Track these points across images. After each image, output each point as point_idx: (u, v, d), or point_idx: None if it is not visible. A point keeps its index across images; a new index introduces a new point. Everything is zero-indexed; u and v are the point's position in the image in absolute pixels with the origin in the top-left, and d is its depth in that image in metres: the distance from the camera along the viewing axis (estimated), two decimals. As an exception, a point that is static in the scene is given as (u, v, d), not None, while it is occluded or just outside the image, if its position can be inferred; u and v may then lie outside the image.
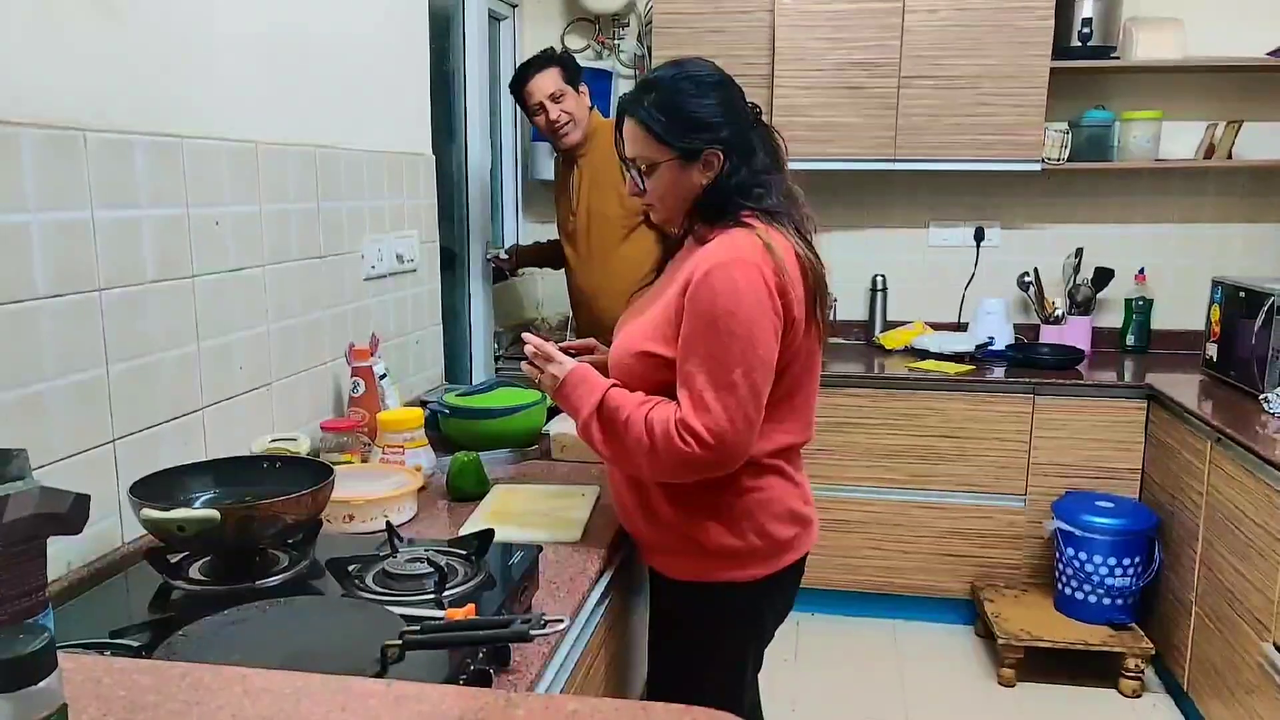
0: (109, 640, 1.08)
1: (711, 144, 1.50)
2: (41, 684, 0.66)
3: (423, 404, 2.22)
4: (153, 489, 1.35)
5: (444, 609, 1.19)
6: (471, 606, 1.15)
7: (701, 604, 1.61)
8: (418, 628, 0.99)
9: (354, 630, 1.05)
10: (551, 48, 2.84)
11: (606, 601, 1.61)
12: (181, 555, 1.36)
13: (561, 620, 0.98)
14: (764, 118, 1.59)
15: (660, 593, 1.68)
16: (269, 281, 1.85)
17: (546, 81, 2.77)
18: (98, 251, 1.41)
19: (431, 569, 1.28)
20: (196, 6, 1.62)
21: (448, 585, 1.26)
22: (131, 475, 1.40)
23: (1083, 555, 2.95)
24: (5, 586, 0.84)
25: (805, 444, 1.62)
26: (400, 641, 0.96)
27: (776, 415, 1.52)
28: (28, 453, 0.90)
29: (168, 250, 1.56)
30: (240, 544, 1.32)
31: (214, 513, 1.25)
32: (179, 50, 1.59)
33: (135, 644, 1.08)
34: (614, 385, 1.53)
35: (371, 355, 2.09)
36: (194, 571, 1.34)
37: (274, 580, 1.32)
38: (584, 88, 2.84)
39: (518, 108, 3.85)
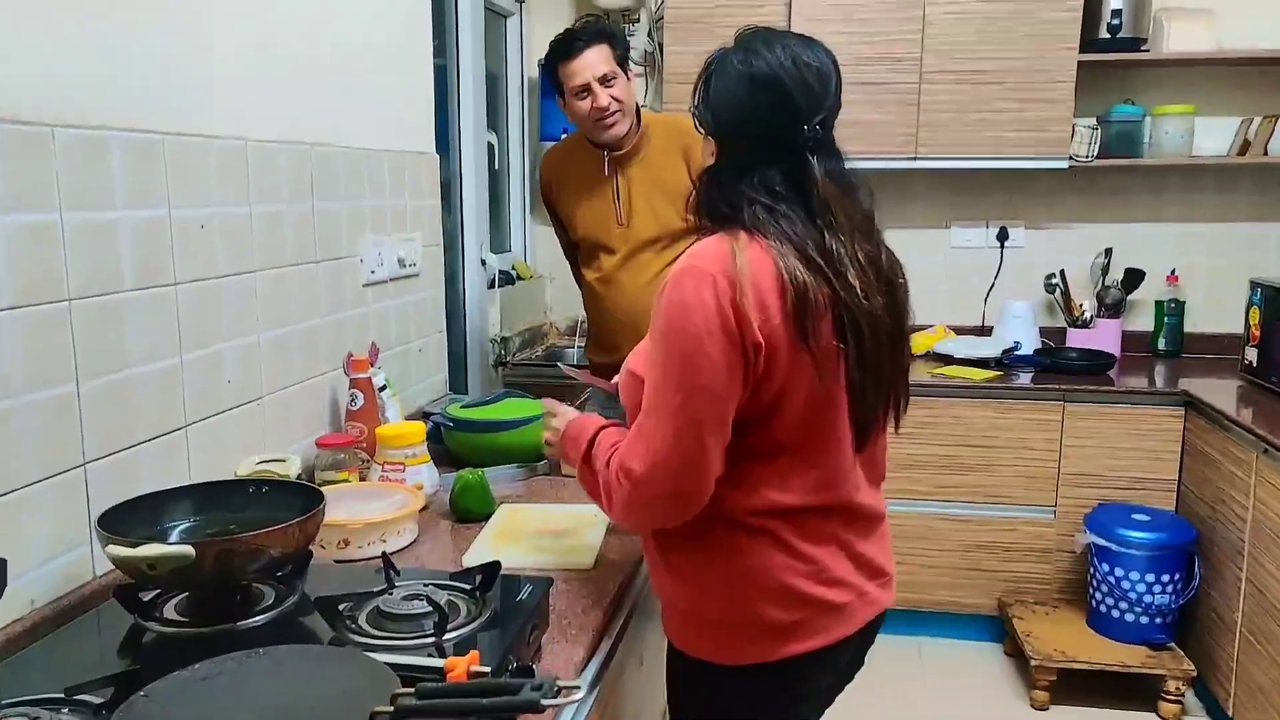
0: (64, 698, 0.96)
1: (709, 129, 1.32)
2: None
3: (425, 416, 2.10)
4: (126, 518, 1.23)
5: (444, 655, 1.06)
6: (474, 654, 1.03)
7: (687, 678, 1.38)
8: (412, 690, 0.86)
9: (341, 688, 0.92)
10: (597, 17, 2.27)
11: (624, 638, 1.48)
12: (155, 592, 1.24)
13: (577, 688, 0.85)
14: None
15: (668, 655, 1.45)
16: (260, 288, 1.73)
17: (596, 59, 2.25)
18: (67, 257, 1.29)
19: (430, 608, 1.15)
20: (178, -8, 1.50)
21: (448, 626, 1.14)
22: (106, 501, 1.28)
23: (1118, 571, 2.81)
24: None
25: (827, 509, 1.30)
26: (392, 709, 0.83)
27: (770, 468, 1.26)
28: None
29: (147, 255, 1.44)
30: (220, 581, 1.20)
31: (188, 549, 1.12)
32: (161, 40, 1.46)
33: (97, 701, 0.96)
34: (602, 430, 1.34)
35: (371, 366, 1.97)
36: (169, 610, 1.21)
37: (258, 620, 1.19)
38: (634, 71, 2.32)
39: (525, 101, 3.76)
